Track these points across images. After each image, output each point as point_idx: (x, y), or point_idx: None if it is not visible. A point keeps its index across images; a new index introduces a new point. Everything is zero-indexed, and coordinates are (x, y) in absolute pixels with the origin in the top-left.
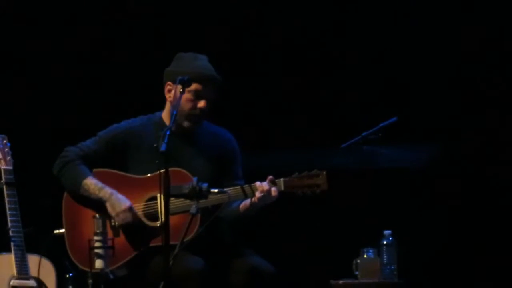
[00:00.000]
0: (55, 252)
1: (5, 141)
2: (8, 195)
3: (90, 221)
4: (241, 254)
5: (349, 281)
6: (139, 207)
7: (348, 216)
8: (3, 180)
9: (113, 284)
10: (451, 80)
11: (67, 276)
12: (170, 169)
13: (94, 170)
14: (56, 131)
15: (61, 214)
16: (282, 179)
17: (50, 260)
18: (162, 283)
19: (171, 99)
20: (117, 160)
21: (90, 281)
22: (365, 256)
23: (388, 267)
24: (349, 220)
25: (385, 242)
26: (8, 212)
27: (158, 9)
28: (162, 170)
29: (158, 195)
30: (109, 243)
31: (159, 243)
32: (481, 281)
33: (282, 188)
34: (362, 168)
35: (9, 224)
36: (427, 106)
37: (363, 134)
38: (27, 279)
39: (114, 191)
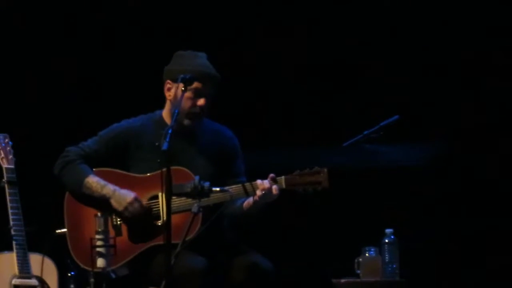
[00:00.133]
0: (57, 251)
1: (7, 140)
2: (10, 194)
3: (92, 220)
4: (241, 252)
5: (351, 279)
6: None
7: (350, 215)
8: (5, 179)
9: (114, 283)
10: (451, 79)
11: (69, 275)
12: (172, 168)
13: (95, 169)
14: (57, 130)
15: (63, 213)
16: (283, 177)
17: (52, 259)
18: (164, 282)
19: (171, 97)
20: (118, 159)
21: (92, 280)
22: (366, 254)
23: (389, 265)
24: (350, 219)
25: (386, 241)
26: (10, 211)
27: (158, 8)
28: (164, 169)
29: (160, 194)
30: (111, 241)
31: (161, 242)
32: (483, 279)
33: (284, 185)
34: (363, 166)
35: (11, 223)
36: (429, 104)
37: (365, 132)
38: (29, 278)
39: (117, 187)
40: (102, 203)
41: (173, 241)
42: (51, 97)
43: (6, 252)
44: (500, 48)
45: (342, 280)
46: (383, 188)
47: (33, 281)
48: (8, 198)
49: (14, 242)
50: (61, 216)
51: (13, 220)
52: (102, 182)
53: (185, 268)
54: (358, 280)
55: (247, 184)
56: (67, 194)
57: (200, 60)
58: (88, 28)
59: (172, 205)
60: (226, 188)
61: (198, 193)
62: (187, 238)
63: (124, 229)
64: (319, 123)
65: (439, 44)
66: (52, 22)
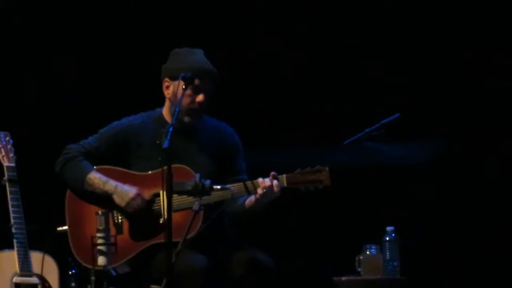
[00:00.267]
0: (58, 249)
1: (7, 138)
2: (11, 192)
3: (93, 217)
4: (241, 247)
5: (352, 277)
6: None
7: (351, 213)
8: (5, 177)
9: (115, 281)
10: (451, 79)
11: (70, 273)
12: (172, 165)
13: (96, 167)
14: (58, 128)
15: (64, 211)
16: (284, 175)
17: (53, 257)
18: (164, 281)
19: (170, 95)
20: (118, 157)
21: (92, 278)
22: (367, 252)
23: (390, 263)
24: (351, 217)
25: (387, 239)
26: (10, 209)
27: (158, 7)
28: (165, 167)
29: (161, 192)
30: (112, 239)
31: (162, 240)
32: (484, 278)
33: (285, 184)
34: (365, 164)
35: (12, 221)
36: (429, 104)
37: (366, 130)
38: (30, 276)
39: (119, 183)
40: (104, 200)
41: (174, 239)
42: (51, 96)
43: (7, 250)
44: (500, 48)
45: (343, 278)
46: (384, 186)
47: (34, 279)
48: (9, 196)
49: (15, 240)
50: (62, 214)
51: (14, 218)
52: (104, 178)
53: (186, 267)
54: (359, 278)
55: (249, 182)
56: (68, 192)
57: (197, 56)
58: (88, 26)
59: (173, 203)
60: (227, 186)
61: (199, 191)
62: (188, 236)
63: (125, 227)
64: (320, 122)
65: (439, 44)
66: (52, 22)
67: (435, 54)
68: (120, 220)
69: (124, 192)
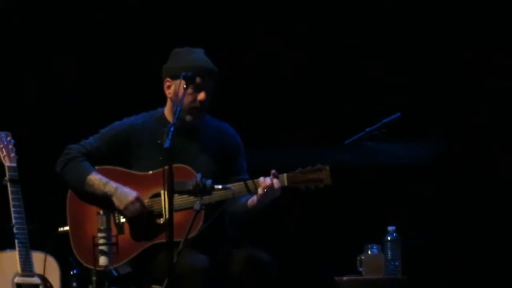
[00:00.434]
0: (60, 249)
1: (9, 138)
2: (12, 192)
3: (94, 218)
4: (241, 246)
5: (353, 277)
6: None
7: (352, 212)
8: (7, 177)
9: (117, 281)
10: (451, 79)
11: (72, 273)
12: (174, 165)
13: (97, 167)
14: (59, 128)
15: (65, 211)
16: (285, 174)
17: (54, 257)
18: (166, 280)
19: (171, 95)
20: (119, 157)
21: (94, 278)
22: (369, 252)
23: (392, 263)
24: (353, 216)
25: (389, 238)
26: (12, 209)
27: (158, 7)
28: (166, 167)
29: (162, 191)
30: (113, 240)
31: (163, 240)
32: (485, 277)
33: (286, 183)
34: (366, 164)
35: (13, 221)
36: (429, 104)
37: (367, 129)
38: (31, 276)
39: (119, 185)
40: (104, 201)
41: (175, 239)
42: (51, 96)
43: (8, 250)
44: (500, 48)
45: (345, 278)
46: (385, 185)
47: (36, 279)
48: (10, 196)
49: (16, 241)
50: (64, 214)
51: (15, 218)
52: (104, 179)
53: (187, 266)
54: (360, 277)
55: (249, 182)
56: (69, 192)
57: (198, 55)
58: (88, 26)
59: (174, 203)
60: (228, 185)
61: (200, 190)
62: (189, 236)
63: (126, 227)
64: (320, 122)
65: (439, 44)
66: (52, 22)
67: (435, 54)
68: (121, 220)
69: (124, 195)
